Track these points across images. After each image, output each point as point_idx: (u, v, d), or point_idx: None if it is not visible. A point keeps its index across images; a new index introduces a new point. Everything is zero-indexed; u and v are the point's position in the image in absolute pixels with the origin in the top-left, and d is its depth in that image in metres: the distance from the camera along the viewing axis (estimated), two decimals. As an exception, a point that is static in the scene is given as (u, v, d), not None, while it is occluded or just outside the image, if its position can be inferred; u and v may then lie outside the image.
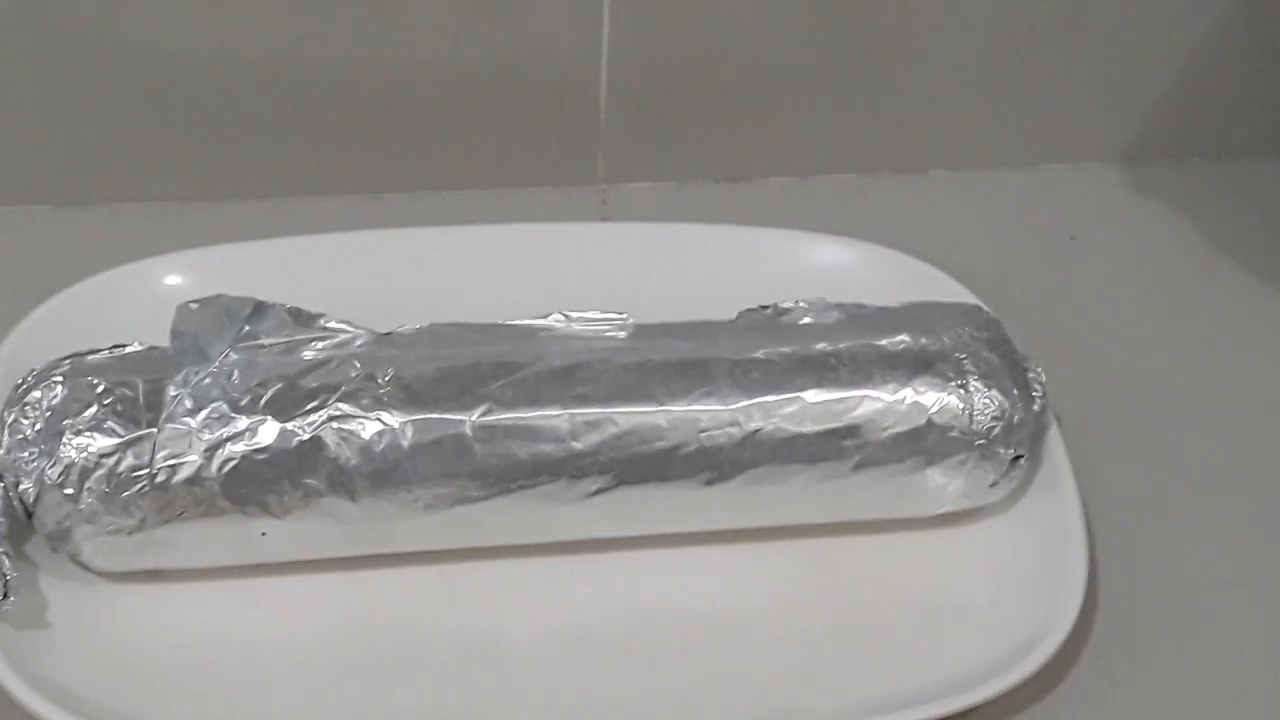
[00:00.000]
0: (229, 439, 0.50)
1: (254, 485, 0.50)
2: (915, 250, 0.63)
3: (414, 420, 0.50)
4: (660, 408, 0.51)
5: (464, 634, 0.52)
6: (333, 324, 0.53)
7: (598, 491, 0.51)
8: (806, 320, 0.55)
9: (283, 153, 0.66)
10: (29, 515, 0.50)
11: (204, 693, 0.50)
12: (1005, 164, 0.71)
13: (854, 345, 0.53)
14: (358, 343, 0.53)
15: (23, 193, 0.65)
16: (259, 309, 0.53)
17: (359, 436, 0.50)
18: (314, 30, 0.63)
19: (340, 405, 0.50)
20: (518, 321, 0.54)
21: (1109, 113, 0.71)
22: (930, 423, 0.52)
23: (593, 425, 0.51)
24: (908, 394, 0.52)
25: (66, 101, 0.64)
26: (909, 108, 0.69)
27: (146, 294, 0.58)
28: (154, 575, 0.52)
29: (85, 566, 0.51)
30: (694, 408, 0.52)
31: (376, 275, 0.60)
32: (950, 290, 0.60)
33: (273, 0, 0.63)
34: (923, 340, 0.54)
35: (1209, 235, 0.68)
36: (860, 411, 0.52)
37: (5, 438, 0.50)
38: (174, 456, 0.49)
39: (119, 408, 0.50)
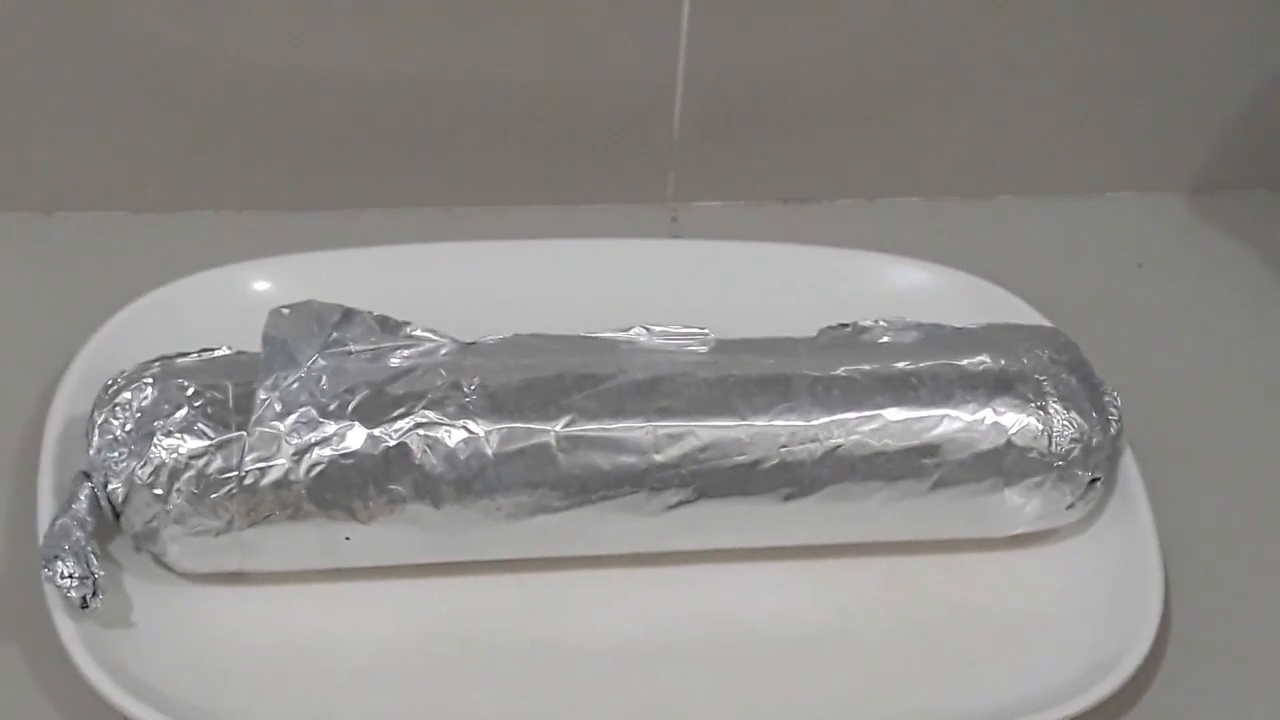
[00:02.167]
0: (317, 443, 0.50)
1: (340, 490, 0.50)
2: (980, 274, 0.63)
3: (499, 429, 0.51)
4: (741, 422, 0.52)
5: (540, 643, 0.52)
6: (418, 332, 0.54)
7: (678, 504, 0.52)
8: (886, 339, 0.56)
9: (363, 164, 0.67)
10: (116, 515, 0.51)
11: (283, 693, 0.50)
12: (1072, 191, 0.71)
13: (934, 365, 0.54)
14: (443, 351, 0.53)
15: (108, 198, 0.66)
16: (347, 316, 0.53)
17: (444, 444, 0.51)
18: (395, 47, 0.64)
19: (426, 413, 0.51)
20: (600, 334, 0.54)
21: (1177, 142, 0.71)
22: (1010, 443, 0.53)
23: (674, 438, 0.51)
24: (987, 414, 0.53)
25: (152, 110, 0.64)
26: (977, 133, 0.69)
27: (233, 298, 0.59)
28: (236, 577, 0.52)
29: (169, 568, 0.52)
30: (775, 423, 0.52)
31: (456, 285, 0.60)
32: (1022, 314, 0.61)
33: (354, 17, 0.63)
34: (1002, 361, 0.54)
35: (1276, 265, 0.68)
36: (940, 430, 0.52)
37: (95, 438, 0.51)
38: (262, 459, 0.50)
39: (209, 410, 0.50)
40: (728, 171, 0.69)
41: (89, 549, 0.50)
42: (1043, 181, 0.71)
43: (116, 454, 0.50)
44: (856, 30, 0.66)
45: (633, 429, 0.51)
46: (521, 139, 0.67)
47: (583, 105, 0.66)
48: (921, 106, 0.69)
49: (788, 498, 0.52)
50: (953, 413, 0.53)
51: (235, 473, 0.50)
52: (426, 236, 0.64)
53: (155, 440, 0.50)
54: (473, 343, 0.54)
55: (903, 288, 0.63)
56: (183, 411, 0.50)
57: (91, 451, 0.51)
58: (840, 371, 0.53)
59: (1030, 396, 0.53)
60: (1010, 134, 0.70)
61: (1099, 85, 0.69)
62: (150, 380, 0.51)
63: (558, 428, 0.51)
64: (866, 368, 0.53)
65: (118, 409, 0.51)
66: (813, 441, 0.52)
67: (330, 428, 0.50)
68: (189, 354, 0.53)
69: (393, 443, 0.50)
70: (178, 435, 0.50)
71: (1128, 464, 0.56)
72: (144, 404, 0.51)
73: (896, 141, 0.69)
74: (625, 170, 0.68)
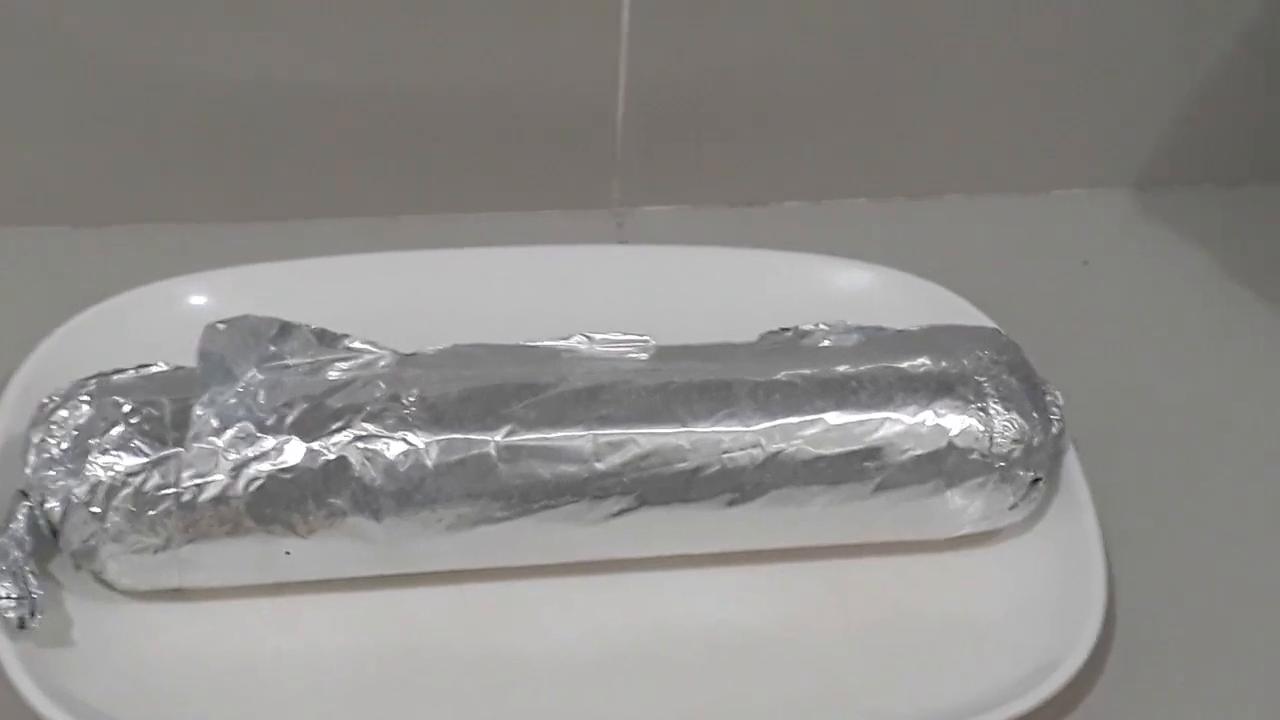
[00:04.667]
0: (255, 458, 0.50)
1: (279, 504, 0.50)
2: (929, 274, 0.63)
3: (438, 440, 0.51)
4: (683, 429, 0.52)
5: (486, 654, 0.52)
6: (357, 344, 0.53)
7: (620, 512, 0.52)
8: (827, 343, 0.56)
9: (301, 174, 0.66)
10: (54, 534, 0.50)
11: (226, 710, 0.50)
12: (1019, 189, 0.71)
13: (875, 368, 0.54)
14: (382, 363, 0.53)
15: (43, 213, 0.66)
16: (284, 329, 0.53)
17: (384, 456, 0.50)
18: (332, 54, 0.64)
19: (365, 425, 0.51)
20: (541, 343, 0.54)
21: (1123, 138, 0.71)
22: (951, 445, 0.53)
23: (615, 446, 0.51)
24: (928, 416, 0.53)
25: (86, 122, 0.64)
26: (923, 133, 0.70)
27: (170, 314, 0.58)
28: (177, 594, 0.52)
29: (109, 585, 0.51)
30: (716, 429, 0.52)
31: (398, 296, 0.60)
32: (966, 314, 0.61)
33: (290, 24, 0.63)
34: (943, 363, 0.54)
35: (1222, 261, 0.69)
36: (881, 434, 0.52)
37: (32, 457, 0.50)
38: (200, 475, 0.50)
39: (146, 427, 0.50)
40: (673, 176, 0.69)
41: (27, 569, 0.49)
42: (989, 180, 0.71)
43: (53, 472, 0.50)
44: (799, 32, 0.66)
45: (573, 438, 0.51)
46: (464, 146, 0.67)
47: (525, 111, 0.66)
48: (866, 107, 0.69)
49: (730, 503, 0.52)
50: (894, 415, 0.53)
51: (173, 489, 0.50)
52: (372, 246, 0.64)
53: (91, 458, 0.50)
54: (412, 354, 0.53)
55: (849, 290, 0.63)
56: (119, 429, 0.50)
57: (28, 470, 0.50)
58: (781, 376, 0.53)
59: (971, 398, 0.53)
60: (956, 133, 0.70)
61: (1043, 83, 0.69)
62: (86, 398, 0.51)
63: (498, 438, 0.51)
64: (807, 372, 0.53)
65: (54, 427, 0.51)
66: (754, 447, 0.52)
67: (268, 442, 0.50)
68: (126, 370, 0.52)
69: (332, 456, 0.50)
70: (114, 453, 0.50)
71: (1071, 463, 0.56)
72: (80, 422, 0.50)
73: (843, 143, 0.69)
74: (570, 176, 0.68)
